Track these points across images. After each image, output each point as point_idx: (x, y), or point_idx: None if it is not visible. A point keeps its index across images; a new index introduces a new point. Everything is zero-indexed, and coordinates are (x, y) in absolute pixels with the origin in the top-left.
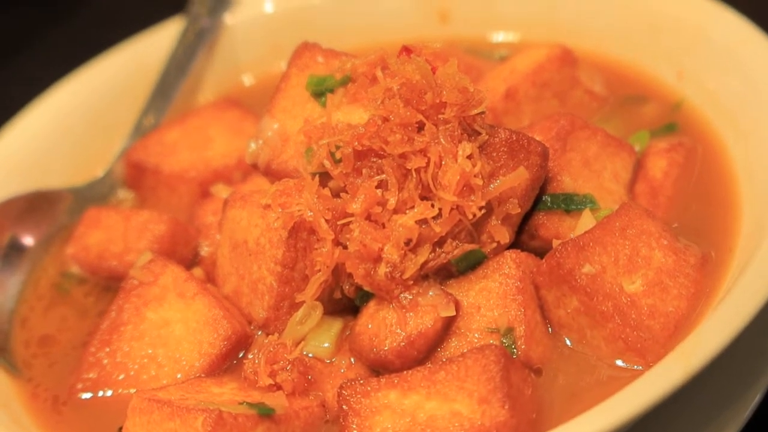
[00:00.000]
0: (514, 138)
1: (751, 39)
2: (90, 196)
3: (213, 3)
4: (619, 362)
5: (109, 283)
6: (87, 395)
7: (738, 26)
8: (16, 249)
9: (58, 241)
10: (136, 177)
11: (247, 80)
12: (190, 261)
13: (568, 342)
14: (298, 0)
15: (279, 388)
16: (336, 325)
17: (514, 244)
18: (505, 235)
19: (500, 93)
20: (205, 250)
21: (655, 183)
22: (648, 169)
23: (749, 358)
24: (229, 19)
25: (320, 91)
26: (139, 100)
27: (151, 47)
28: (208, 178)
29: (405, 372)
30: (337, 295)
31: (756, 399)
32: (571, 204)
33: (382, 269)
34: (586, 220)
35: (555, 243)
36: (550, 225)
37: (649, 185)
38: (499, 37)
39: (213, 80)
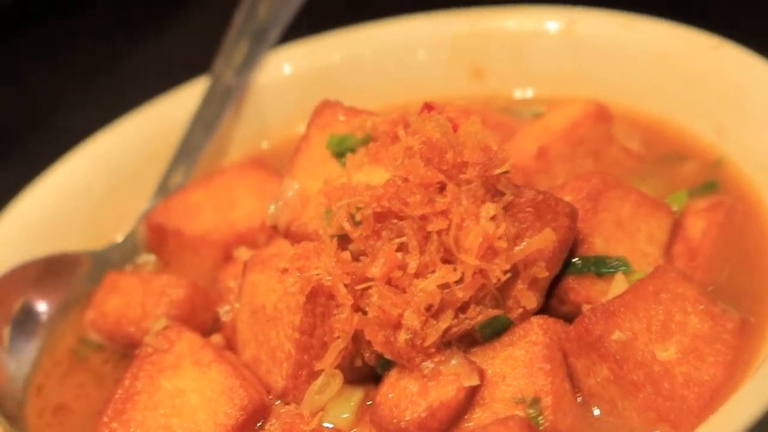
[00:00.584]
0: (541, 198)
1: None
2: (111, 260)
3: (239, 62)
4: None
5: (127, 351)
6: None
7: None
8: (31, 314)
9: (77, 307)
10: (158, 240)
11: (274, 141)
12: (210, 327)
13: (598, 412)
14: (327, 60)
15: None
16: (356, 394)
17: (543, 310)
18: (532, 300)
19: (532, 152)
20: (225, 316)
21: (694, 244)
22: (686, 230)
23: None
24: (256, 78)
25: (341, 151)
26: (163, 161)
27: (176, 107)
28: (231, 240)
29: None
30: (358, 363)
31: None
32: (602, 267)
33: (402, 336)
34: (619, 284)
35: (585, 308)
36: (580, 289)
37: (687, 246)
38: (533, 93)
39: (239, 141)
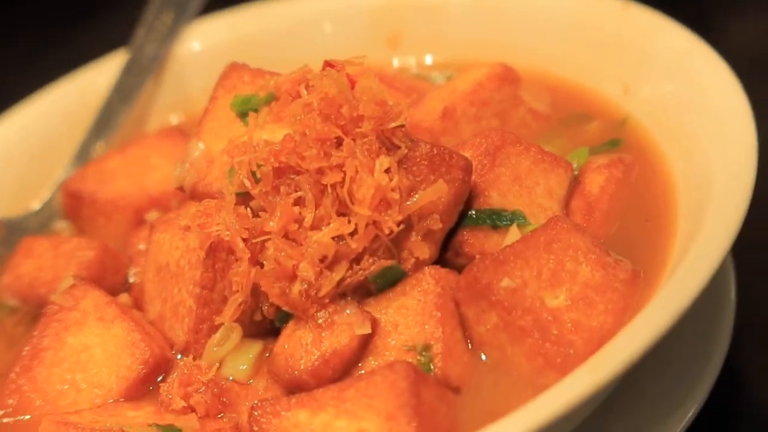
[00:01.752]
0: (435, 152)
1: (695, 50)
2: (26, 227)
3: (158, 34)
4: (540, 379)
5: (39, 312)
6: (8, 420)
7: (681, 38)
8: None
9: None
10: (74, 207)
11: (192, 111)
12: (120, 287)
13: (488, 360)
14: (245, 31)
15: (192, 410)
16: (255, 347)
17: (440, 262)
18: (425, 251)
19: (437, 113)
20: (135, 278)
21: (591, 198)
22: (585, 185)
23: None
24: (175, 50)
25: (245, 111)
26: (82, 131)
27: (95, 78)
28: (144, 205)
29: (315, 390)
30: (258, 317)
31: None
32: (497, 220)
33: (297, 287)
34: (513, 236)
35: None
36: (475, 241)
37: (585, 201)
38: (446, 60)
39: (157, 111)
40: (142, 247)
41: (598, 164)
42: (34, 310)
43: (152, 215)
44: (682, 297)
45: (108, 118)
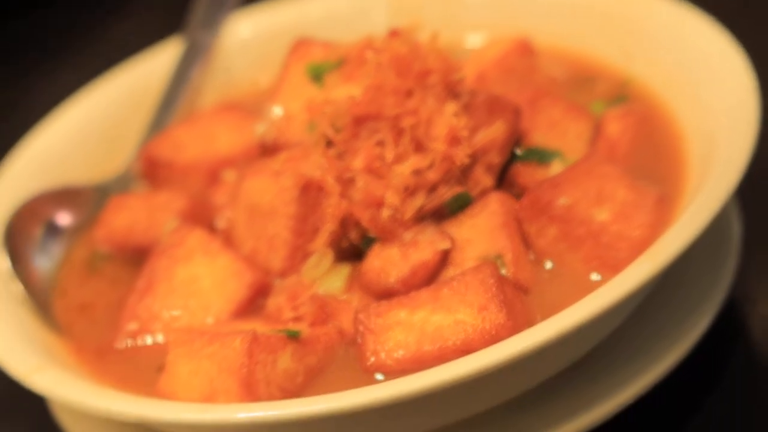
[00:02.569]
0: (491, 99)
1: (689, 17)
2: (111, 189)
3: (208, 19)
4: (595, 276)
5: (137, 257)
6: (128, 343)
7: (676, 9)
8: (53, 227)
9: (86, 230)
10: (151, 171)
11: (241, 92)
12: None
13: (550, 266)
14: (290, 16)
15: (301, 319)
16: (345, 268)
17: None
18: (489, 180)
19: (473, 76)
20: (220, 224)
21: (612, 142)
22: (606, 131)
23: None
24: (224, 37)
25: (319, 74)
26: (147, 110)
27: (155, 65)
28: (216, 165)
29: (412, 293)
30: (344, 244)
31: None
32: (542, 156)
33: (386, 212)
34: (557, 169)
35: None
36: (526, 174)
37: (606, 144)
38: (468, 38)
39: (209, 93)
40: (222, 200)
41: (614, 114)
42: (133, 256)
43: (228, 173)
44: (709, 207)
45: (170, 102)
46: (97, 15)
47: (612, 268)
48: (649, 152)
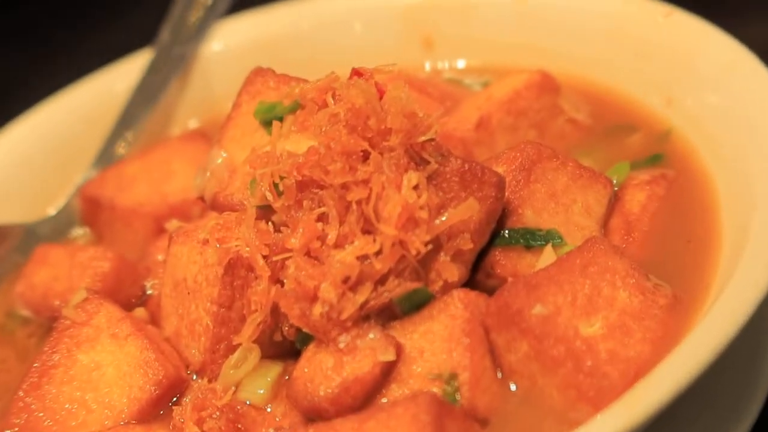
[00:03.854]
0: (467, 167)
1: (740, 60)
2: (43, 233)
3: (184, 33)
4: (572, 413)
5: (53, 324)
6: None
7: (727, 48)
8: None
9: (7, 280)
10: (92, 212)
11: (218, 112)
12: (137, 300)
13: (518, 390)
14: (272, 30)
15: None
16: (274, 369)
17: (470, 284)
18: (453, 273)
19: (473, 122)
20: (152, 290)
21: (632, 217)
22: (625, 203)
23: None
24: (201, 49)
25: (269, 119)
26: (103, 133)
27: (119, 78)
28: (164, 213)
29: (335, 420)
30: (278, 337)
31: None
32: (531, 239)
33: (318, 309)
34: (548, 257)
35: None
36: (507, 262)
37: (624, 220)
38: (483, 64)
39: (183, 112)
40: (161, 257)
41: (639, 180)
42: (47, 322)
43: (172, 224)
44: (725, 327)
45: (131, 119)
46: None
47: (592, 401)
48: (675, 230)
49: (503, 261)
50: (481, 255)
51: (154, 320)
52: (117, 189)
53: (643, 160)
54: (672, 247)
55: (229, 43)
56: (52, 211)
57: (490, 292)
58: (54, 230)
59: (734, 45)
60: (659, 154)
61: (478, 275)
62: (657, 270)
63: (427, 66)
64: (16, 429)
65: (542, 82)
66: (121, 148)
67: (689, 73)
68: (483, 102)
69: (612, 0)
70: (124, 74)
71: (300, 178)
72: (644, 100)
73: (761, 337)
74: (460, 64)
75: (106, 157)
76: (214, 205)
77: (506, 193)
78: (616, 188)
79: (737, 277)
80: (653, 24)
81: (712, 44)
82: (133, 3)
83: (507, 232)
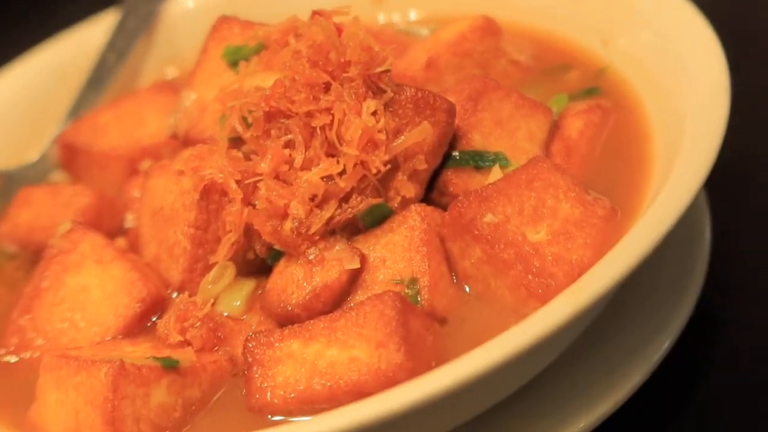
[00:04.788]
0: (420, 95)
1: (669, 1)
2: (24, 178)
3: None
4: (523, 309)
5: (38, 257)
6: (11, 359)
7: None
8: None
9: None
10: (70, 158)
11: (184, 67)
12: (117, 233)
13: (472, 292)
14: None
15: (189, 344)
16: (248, 284)
17: (425, 202)
18: (411, 190)
19: (422, 63)
20: (130, 223)
21: (570, 142)
22: (564, 129)
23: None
24: (167, 7)
25: (236, 60)
26: (77, 86)
27: (90, 35)
28: (137, 155)
29: (308, 322)
30: (251, 255)
31: (665, 346)
32: (480, 160)
33: (288, 225)
34: (495, 176)
35: None
36: (458, 181)
37: (564, 144)
38: (431, 15)
39: (150, 67)
40: (136, 194)
41: (576, 110)
42: (33, 256)
43: (145, 164)
44: (656, 228)
45: (102, 75)
46: None
47: (540, 298)
48: (611, 155)
49: (455, 180)
50: (435, 176)
51: (134, 249)
52: (92, 136)
53: (580, 93)
54: (608, 167)
55: (195, 1)
56: (31, 159)
57: (443, 208)
58: (34, 176)
59: None
60: (595, 87)
61: (432, 194)
62: (595, 187)
63: (381, 19)
64: (12, 348)
65: (485, 25)
66: (93, 101)
67: (622, 14)
68: (431, 45)
69: None
70: (94, 32)
71: (267, 110)
72: (582, 41)
73: (691, 247)
74: (411, 16)
75: (78, 110)
76: (187, 141)
77: (456, 120)
78: (555, 117)
79: (666, 190)
80: None
81: None
82: None
83: (458, 154)
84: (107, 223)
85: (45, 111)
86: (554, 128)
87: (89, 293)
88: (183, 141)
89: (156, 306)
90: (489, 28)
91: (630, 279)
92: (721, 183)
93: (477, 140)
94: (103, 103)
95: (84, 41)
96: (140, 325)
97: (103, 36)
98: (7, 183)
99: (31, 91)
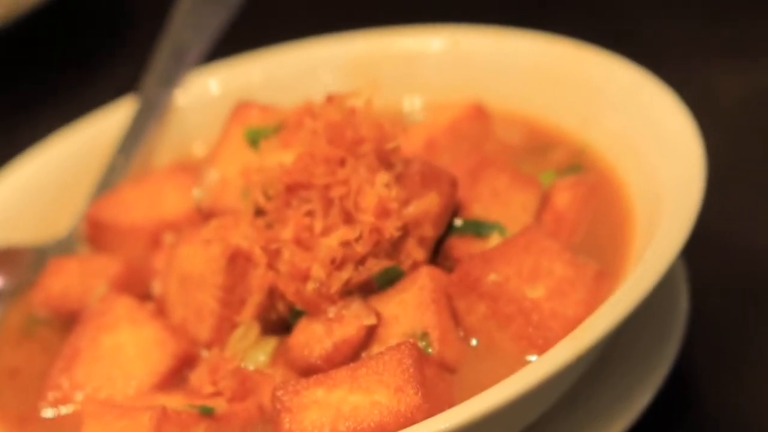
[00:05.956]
0: (427, 169)
1: (644, 82)
2: (52, 253)
3: (165, 76)
4: (526, 356)
5: (74, 323)
6: (48, 413)
7: (631, 72)
8: None
9: (23, 293)
10: (95, 233)
11: (197, 155)
12: (143, 299)
13: (478, 344)
14: (241, 80)
15: (220, 394)
16: (271, 342)
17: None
18: (420, 254)
19: (421, 143)
20: (155, 290)
21: (559, 213)
22: (553, 202)
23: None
24: (181, 97)
25: (256, 140)
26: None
27: (106, 124)
28: (160, 228)
29: (331, 371)
30: (273, 316)
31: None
32: (481, 228)
33: (310, 286)
34: (495, 242)
35: None
36: (462, 247)
37: (554, 215)
38: (423, 103)
39: (163, 154)
40: (160, 265)
41: (564, 184)
42: (66, 321)
43: (168, 237)
44: (644, 284)
45: (120, 164)
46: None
47: (540, 348)
48: (596, 224)
49: (458, 245)
50: (440, 242)
51: (161, 314)
52: (116, 211)
53: (565, 169)
54: (594, 234)
55: (204, 91)
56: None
57: (448, 272)
58: (62, 250)
59: (637, 69)
60: (578, 164)
61: (438, 259)
62: (583, 252)
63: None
64: (51, 401)
65: (476, 112)
66: (117, 181)
67: (599, 97)
68: (428, 127)
69: (529, 42)
70: (112, 119)
71: (288, 183)
72: (563, 124)
73: (670, 311)
74: (406, 104)
75: (103, 189)
76: (211, 214)
77: (458, 192)
78: (545, 190)
79: (649, 253)
80: (566, 60)
81: (618, 70)
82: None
83: (461, 222)
84: (135, 289)
85: (68, 194)
86: (544, 200)
87: (124, 351)
88: (207, 214)
89: (187, 361)
90: (479, 114)
91: (619, 331)
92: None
93: (477, 210)
94: (124, 181)
95: (102, 128)
96: (173, 380)
97: (120, 123)
98: (38, 257)
99: (54, 176)
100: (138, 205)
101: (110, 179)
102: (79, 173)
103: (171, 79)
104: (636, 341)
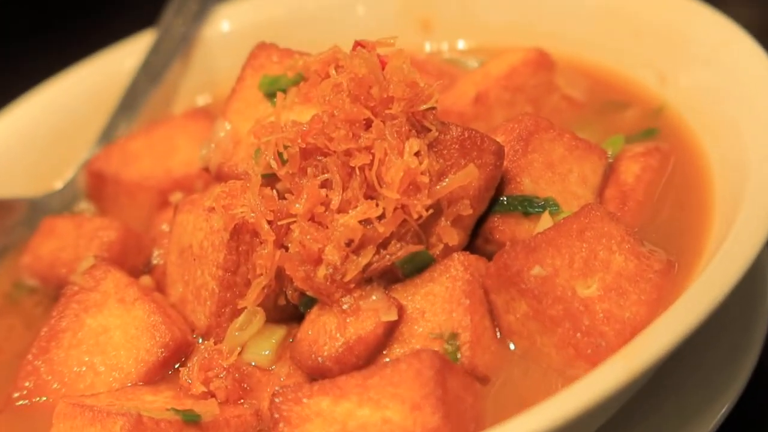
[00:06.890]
0: (466, 135)
1: (732, 37)
2: (48, 207)
3: (187, 14)
4: (570, 371)
5: (59, 293)
6: (23, 402)
7: (719, 26)
8: None
9: (13, 253)
10: (97, 187)
11: (219, 93)
12: (142, 269)
13: (517, 349)
14: (275, 12)
15: (212, 395)
16: (278, 332)
17: (469, 249)
18: (454, 237)
19: (470, 97)
20: (157, 259)
21: (626, 187)
22: (620, 174)
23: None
24: (203, 31)
25: (273, 91)
26: (108, 110)
27: (122, 58)
28: (168, 186)
29: (339, 378)
30: (282, 301)
31: (723, 411)
32: (529, 206)
33: (322, 271)
34: (545, 224)
35: None
36: (505, 228)
37: (619, 190)
38: (480, 44)
39: (184, 92)
40: (165, 228)
41: (633, 153)
42: (54, 291)
43: (176, 196)
44: (717, 288)
45: (134, 99)
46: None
47: (589, 359)
48: (668, 203)
49: (502, 227)
50: (480, 221)
51: (160, 288)
52: (122, 164)
53: (638, 134)
54: (665, 215)
55: (232, 25)
56: (57, 186)
57: (488, 257)
58: (59, 204)
59: (725, 22)
60: (653, 129)
61: (477, 241)
62: (651, 237)
63: (427, 47)
64: (25, 392)
65: (538, 59)
66: (124, 127)
67: (682, 51)
68: (480, 78)
69: None
70: (128, 54)
71: (304, 146)
72: (638, 77)
73: (753, 300)
74: (459, 45)
75: (109, 135)
76: (219, 175)
77: (505, 162)
78: (610, 160)
79: (728, 243)
80: (646, 3)
81: (705, 22)
82: None
83: (505, 199)
84: (133, 258)
85: (75, 134)
86: (609, 172)
87: (110, 335)
88: (216, 175)
89: (180, 352)
90: (542, 62)
91: (687, 342)
92: None
93: (526, 184)
94: (135, 128)
95: (116, 63)
96: (162, 372)
97: (136, 58)
98: (30, 210)
99: (61, 114)
100: (146, 157)
101: (118, 124)
102: (84, 116)
103: (194, 13)
104: (707, 349)
